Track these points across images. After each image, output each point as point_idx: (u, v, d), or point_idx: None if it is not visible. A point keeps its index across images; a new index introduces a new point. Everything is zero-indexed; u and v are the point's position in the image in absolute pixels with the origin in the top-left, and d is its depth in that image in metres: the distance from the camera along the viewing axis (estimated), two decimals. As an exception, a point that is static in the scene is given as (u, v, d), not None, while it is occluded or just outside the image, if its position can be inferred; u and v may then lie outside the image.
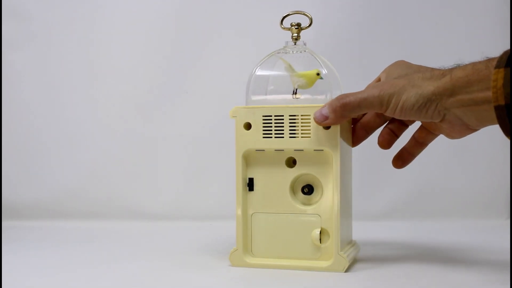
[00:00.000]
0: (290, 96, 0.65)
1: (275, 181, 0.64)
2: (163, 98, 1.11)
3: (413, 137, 0.67)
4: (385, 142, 0.67)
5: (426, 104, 0.57)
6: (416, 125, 0.67)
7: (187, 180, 1.10)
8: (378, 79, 0.65)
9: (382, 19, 1.09)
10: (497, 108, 0.52)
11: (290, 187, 0.64)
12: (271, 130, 0.63)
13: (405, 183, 1.07)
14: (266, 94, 0.66)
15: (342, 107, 0.59)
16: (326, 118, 0.60)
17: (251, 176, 0.65)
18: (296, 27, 0.67)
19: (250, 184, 0.65)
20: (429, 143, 0.66)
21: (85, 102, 1.12)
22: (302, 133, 0.62)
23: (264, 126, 0.63)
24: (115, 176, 1.11)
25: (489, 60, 0.54)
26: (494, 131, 0.60)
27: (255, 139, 0.64)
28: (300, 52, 0.67)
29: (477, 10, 1.08)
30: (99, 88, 1.12)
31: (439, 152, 1.03)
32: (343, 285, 0.58)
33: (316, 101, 0.64)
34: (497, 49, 0.55)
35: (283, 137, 0.63)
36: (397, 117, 0.59)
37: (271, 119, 0.63)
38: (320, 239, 0.63)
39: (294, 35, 0.67)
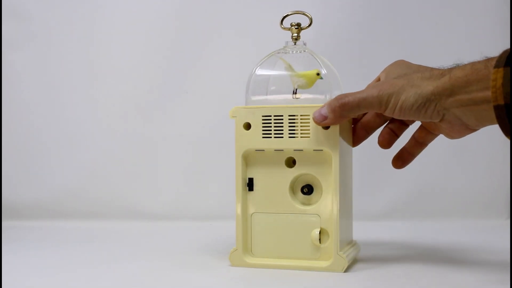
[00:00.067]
0: (290, 96, 0.65)
1: (275, 181, 0.64)
2: (163, 98, 1.11)
3: (413, 137, 0.67)
4: (385, 142, 0.67)
5: (425, 104, 0.57)
6: (416, 125, 0.67)
7: (187, 180, 1.10)
8: (378, 79, 0.65)
9: (382, 19, 1.09)
10: (497, 108, 0.52)
11: (289, 187, 0.64)
12: (270, 130, 0.63)
13: (405, 183, 1.07)
14: (266, 94, 0.66)
15: (341, 107, 0.59)
16: (325, 118, 0.60)
17: (251, 176, 0.65)
18: (296, 27, 0.67)
19: (250, 184, 0.65)
20: (429, 143, 0.66)
21: (85, 102, 1.12)
22: (301, 133, 0.62)
23: (263, 126, 0.63)
24: (115, 176, 1.11)
25: (488, 59, 0.54)
26: (493, 131, 0.60)
27: (255, 139, 0.64)
28: (300, 52, 0.67)
29: (477, 10, 1.08)
30: (99, 88, 1.12)
31: (439, 152, 1.03)
32: (343, 285, 0.58)
33: (316, 101, 0.64)
34: (497, 49, 0.55)
35: (282, 137, 0.63)
36: (396, 117, 0.59)
37: (270, 119, 0.63)
38: (319, 239, 0.63)
39: (294, 35, 0.67)
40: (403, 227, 0.99)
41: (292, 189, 0.65)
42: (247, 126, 0.64)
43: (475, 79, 0.54)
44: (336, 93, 0.65)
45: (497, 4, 1.07)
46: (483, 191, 1.08)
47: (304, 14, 0.67)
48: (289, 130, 0.63)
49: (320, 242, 0.63)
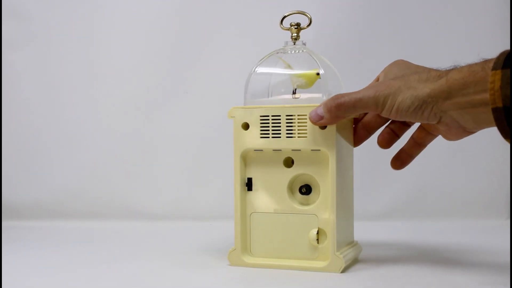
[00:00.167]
0: (289, 96, 0.65)
1: (274, 181, 0.64)
2: (163, 98, 1.11)
3: (412, 137, 0.67)
4: (385, 142, 0.67)
5: (422, 106, 0.57)
6: (417, 125, 0.67)
7: (187, 180, 1.10)
8: (377, 79, 0.65)
9: (382, 19, 1.09)
10: (495, 111, 0.52)
11: (288, 187, 0.64)
12: (268, 130, 0.63)
13: (405, 183, 1.07)
14: (264, 94, 0.66)
15: (337, 107, 0.59)
16: (321, 118, 0.60)
17: (249, 176, 0.65)
18: (296, 27, 0.67)
19: (249, 184, 0.65)
20: (428, 144, 0.66)
21: (85, 102, 1.12)
22: (299, 133, 0.62)
23: (261, 126, 0.63)
24: (115, 176, 1.11)
25: (486, 61, 0.54)
26: (493, 131, 0.59)
27: (253, 139, 0.64)
28: (299, 52, 0.67)
29: (477, 10, 1.08)
30: (99, 88, 1.12)
31: (439, 152, 1.03)
32: (343, 285, 0.58)
33: (313, 101, 0.64)
34: (497, 49, 0.55)
35: (280, 137, 0.63)
36: (393, 118, 0.59)
37: (268, 119, 0.63)
38: (317, 240, 0.63)
39: (293, 35, 0.67)
40: (403, 227, 0.99)
41: (291, 189, 0.65)
42: (246, 126, 0.64)
43: (472, 81, 0.54)
44: (337, 92, 0.64)
45: (497, 4, 1.07)
46: (483, 191, 1.08)
47: (303, 14, 0.67)
48: (287, 130, 0.63)
49: (318, 242, 0.63)
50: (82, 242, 0.87)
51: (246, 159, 0.65)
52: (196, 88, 1.11)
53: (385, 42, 1.08)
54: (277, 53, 0.67)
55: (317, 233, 0.63)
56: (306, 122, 0.62)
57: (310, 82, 0.64)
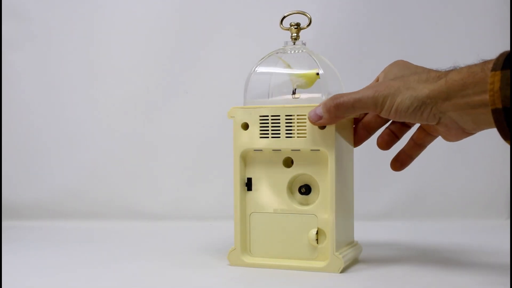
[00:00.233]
0: (289, 96, 0.65)
1: (273, 181, 0.64)
2: (163, 98, 1.11)
3: (412, 138, 0.67)
4: (384, 144, 0.67)
5: (421, 107, 0.57)
6: (417, 126, 0.67)
7: (187, 180, 1.10)
8: (377, 79, 0.65)
9: (382, 19, 1.09)
10: (495, 112, 0.52)
11: (287, 187, 0.64)
12: (268, 130, 0.63)
13: (405, 183, 1.07)
14: (264, 94, 0.66)
15: (336, 107, 0.59)
16: (320, 117, 0.60)
17: (249, 176, 0.65)
18: (295, 27, 0.67)
19: (249, 184, 0.65)
20: (428, 144, 0.66)
21: (85, 102, 1.12)
22: (298, 133, 0.62)
23: (261, 126, 0.63)
24: (115, 176, 1.11)
25: (485, 62, 0.53)
26: (493, 131, 0.59)
27: (253, 139, 0.64)
28: (298, 51, 0.67)
29: (477, 10, 1.08)
30: (99, 88, 1.12)
31: (439, 152, 1.03)
32: (343, 285, 0.58)
33: (313, 101, 0.64)
34: (497, 49, 0.55)
35: (279, 137, 0.63)
36: (392, 118, 0.59)
37: (267, 119, 0.63)
38: (317, 240, 0.63)
39: (293, 35, 0.67)
40: (403, 227, 0.99)
41: (290, 189, 0.65)
42: (245, 126, 0.64)
43: (472, 82, 0.53)
44: (337, 93, 0.64)
45: (497, 4, 1.07)
46: (483, 191, 1.08)
47: (303, 14, 0.67)
48: (286, 130, 0.63)
49: (317, 243, 0.63)
50: (82, 242, 0.87)
51: (245, 159, 0.65)
52: (196, 88, 1.11)
53: (385, 42, 1.08)
54: (277, 53, 0.67)
55: (317, 233, 0.63)
56: (305, 122, 0.62)
57: (310, 82, 0.64)
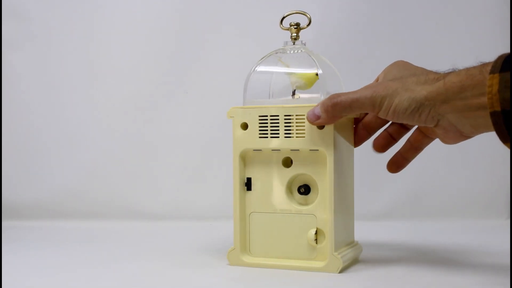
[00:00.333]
0: (288, 96, 0.65)
1: (273, 181, 0.64)
2: (163, 98, 1.11)
3: (409, 141, 0.66)
4: (380, 146, 0.67)
5: (419, 108, 0.56)
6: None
7: (187, 180, 1.10)
8: (377, 80, 0.65)
9: (382, 19, 1.09)
10: (493, 114, 0.52)
11: (287, 187, 0.64)
12: (267, 130, 0.63)
13: (405, 183, 1.07)
14: (264, 94, 0.66)
15: (333, 106, 0.59)
16: (318, 117, 0.60)
17: (249, 176, 0.65)
18: (295, 27, 0.67)
19: (248, 184, 0.65)
20: (425, 147, 0.66)
21: (85, 102, 1.12)
22: (297, 133, 0.62)
23: (260, 126, 0.63)
24: (115, 176, 1.11)
25: (483, 65, 0.53)
26: (493, 132, 0.59)
27: (252, 139, 0.64)
28: (297, 51, 0.67)
29: (477, 10, 1.08)
30: (99, 88, 1.12)
31: (440, 152, 1.02)
32: (343, 285, 0.58)
33: (312, 101, 0.64)
34: (497, 49, 0.55)
35: (278, 137, 0.63)
36: (390, 119, 0.59)
37: (267, 119, 0.63)
38: (316, 239, 0.63)
39: (293, 35, 0.67)
40: (403, 227, 0.99)
41: (290, 189, 0.65)
42: (245, 126, 0.64)
43: (470, 84, 0.53)
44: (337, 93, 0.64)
45: (497, 4, 1.07)
46: (483, 191, 1.07)
47: (303, 14, 0.67)
48: (285, 130, 0.63)
49: (316, 242, 0.63)
50: (82, 242, 0.87)
51: (245, 159, 0.65)
52: (196, 88, 1.11)
53: (385, 42, 1.08)
54: (277, 53, 0.67)
55: (316, 233, 0.63)
56: (304, 122, 0.62)
57: (309, 83, 0.64)
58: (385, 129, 0.67)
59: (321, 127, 0.61)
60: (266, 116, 0.63)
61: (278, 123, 0.63)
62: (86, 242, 0.88)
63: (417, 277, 0.60)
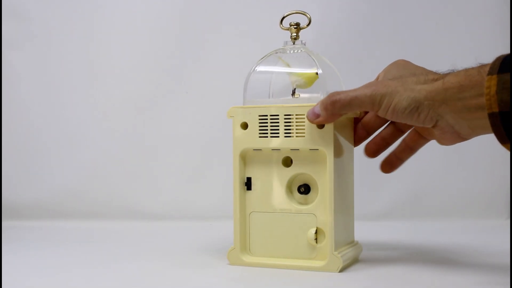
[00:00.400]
0: (288, 96, 0.65)
1: (273, 181, 0.64)
2: (163, 98, 1.11)
3: (404, 141, 0.66)
4: (371, 152, 0.67)
5: (418, 108, 0.56)
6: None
7: (187, 180, 1.10)
8: (377, 79, 0.65)
9: (382, 19, 1.09)
10: (491, 116, 0.52)
11: (287, 187, 0.64)
12: (267, 129, 0.63)
13: (405, 183, 1.07)
14: (264, 94, 0.66)
15: (332, 104, 0.59)
16: (318, 116, 0.60)
17: (249, 176, 0.65)
18: (295, 27, 0.67)
19: (248, 184, 0.65)
20: (419, 148, 0.66)
21: (85, 102, 1.12)
22: (297, 133, 0.62)
23: (260, 126, 0.63)
24: (115, 176, 1.11)
25: (482, 66, 0.53)
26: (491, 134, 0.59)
27: (252, 138, 0.64)
28: (297, 51, 0.67)
29: (477, 10, 1.08)
30: (99, 88, 1.12)
31: (439, 152, 1.02)
32: (342, 284, 0.58)
33: (312, 100, 0.64)
34: (497, 50, 0.55)
35: (278, 136, 0.63)
36: (389, 118, 0.59)
37: (266, 119, 0.63)
38: (316, 239, 0.63)
39: (293, 34, 0.67)
40: (403, 227, 0.99)
41: (289, 189, 0.65)
42: (244, 126, 0.64)
43: (469, 85, 0.53)
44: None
45: (497, 4, 1.07)
46: (483, 191, 1.08)
47: (303, 14, 0.67)
48: (285, 129, 0.63)
49: (316, 242, 0.63)
50: (82, 242, 0.87)
51: (245, 158, 0.65)
52: (196, 88, 1.11)
53: (385, 42, 1.08)
54: (276, 53, 0.67)
55: (316, 232, 0.63)
56: (304, 122, 0.62)
57: (309, 82, 0.64)
58: (378, 134, 0.67)
59: (321, 126, 0.61)
60: (266, 115, 0.63)
61: (278, 122, 0.63)
62: (86, 242, 0.88)
63: (417, 277, 0.60)
